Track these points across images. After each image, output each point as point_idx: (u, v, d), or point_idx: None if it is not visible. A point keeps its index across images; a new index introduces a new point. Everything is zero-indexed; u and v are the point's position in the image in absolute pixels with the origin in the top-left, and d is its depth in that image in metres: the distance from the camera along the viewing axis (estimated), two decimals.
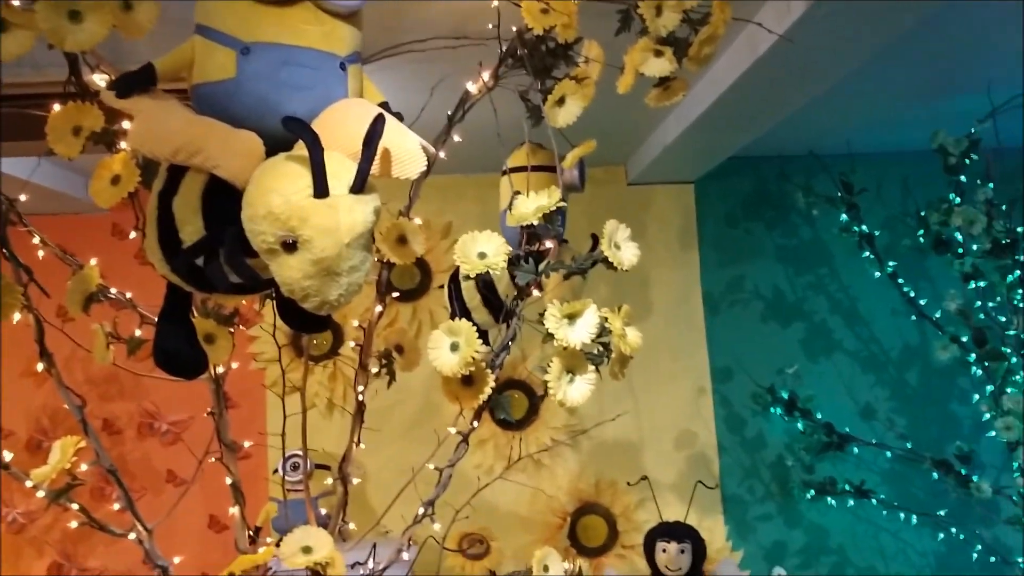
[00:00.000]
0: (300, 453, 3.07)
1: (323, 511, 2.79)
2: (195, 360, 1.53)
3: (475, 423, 1.67)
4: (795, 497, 3.29)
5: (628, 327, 1.61)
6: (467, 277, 1.54)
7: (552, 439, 3.42)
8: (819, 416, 3.15)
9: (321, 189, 1.19)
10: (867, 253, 3.13)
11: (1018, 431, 2.60)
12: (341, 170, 1.22)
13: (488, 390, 1.59)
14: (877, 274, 3.14)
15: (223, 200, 1.27)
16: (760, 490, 3.46)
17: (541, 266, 1.63)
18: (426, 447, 2.00)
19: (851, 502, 3.13)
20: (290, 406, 3.31)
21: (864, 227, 3.12)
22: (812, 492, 3.15)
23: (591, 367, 1.58)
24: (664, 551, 3.05)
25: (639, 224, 3.59)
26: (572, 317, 1.52)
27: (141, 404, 3.41)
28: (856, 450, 3.15)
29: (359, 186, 1.22)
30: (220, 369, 1.84)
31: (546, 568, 1.94)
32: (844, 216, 3.14)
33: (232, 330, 1.73)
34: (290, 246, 1.20)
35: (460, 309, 2.50)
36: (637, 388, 3.50)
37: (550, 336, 1.51)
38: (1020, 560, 2.94)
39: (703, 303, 3.56)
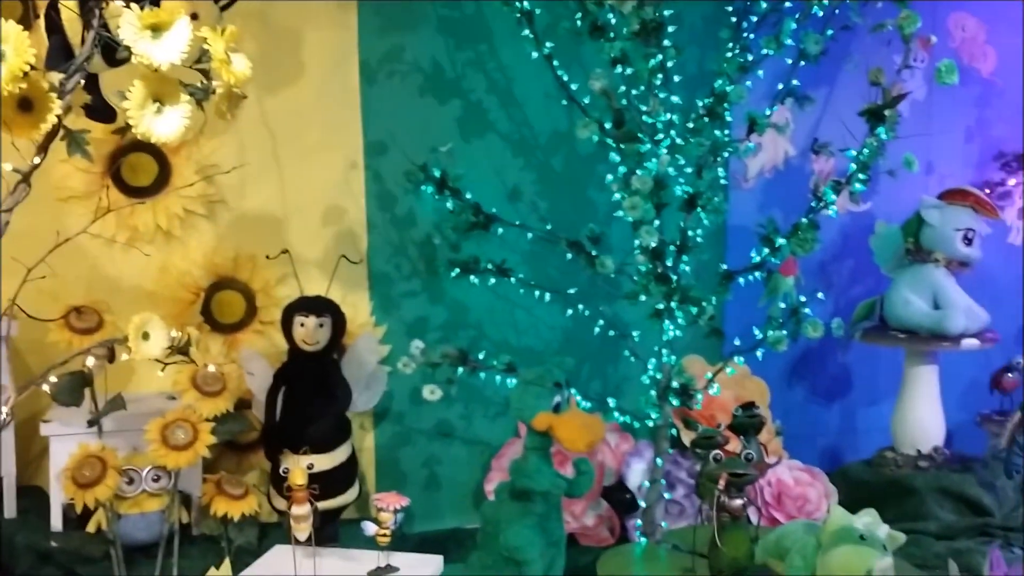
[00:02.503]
0: None
1: None
2: None
3: (37, 159, 1.37)
4: (440, 275, 3.30)
5: (235, 53, 1.37)
6: None
7: (185, 209, 3.12)
8: (468, 196, 3.12)
9: None
10: (527, 31, 3.05)
11: (642, 211, 2.73)
12: None
13: (52, 118, 1.29)
14: (535, 55, 3.08)
15: None
16: (407, 267, 3.44)
17: None
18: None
19: (492, 280, 3.18)
20: None
21: (526, 3, 3.02)
22: (457, 270, 3.16)
23: (186, 98, 1.33)
24: (302, 325, 2.97)
25: None
26: (157, 30, 1.25)
27: None
28: (500, 230, 3.18)
29: None
30: None
31: (146, 336, 1.74)
32: None
33: None
34: None
35: (59, 43, 2.10)
36: (284, 158, 3.27)
37: (127, 51, 1.24)
38: (635, 334, 3.18)
39: (359, 72, 3.33)
